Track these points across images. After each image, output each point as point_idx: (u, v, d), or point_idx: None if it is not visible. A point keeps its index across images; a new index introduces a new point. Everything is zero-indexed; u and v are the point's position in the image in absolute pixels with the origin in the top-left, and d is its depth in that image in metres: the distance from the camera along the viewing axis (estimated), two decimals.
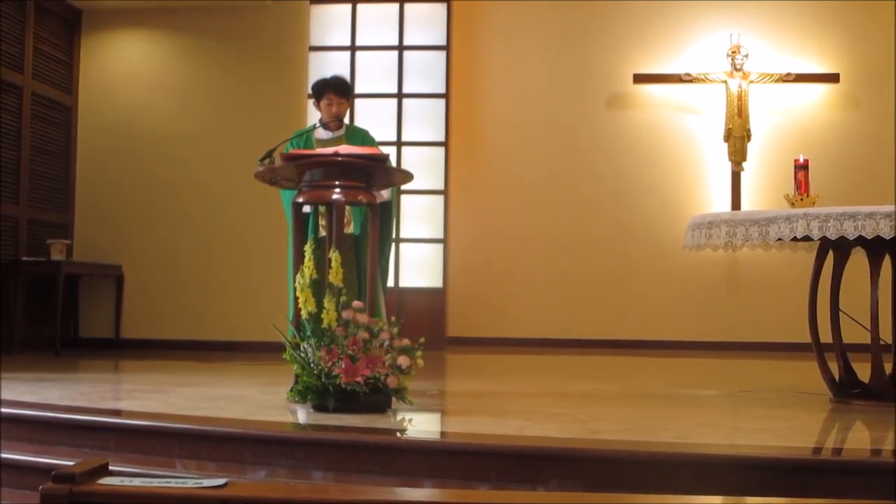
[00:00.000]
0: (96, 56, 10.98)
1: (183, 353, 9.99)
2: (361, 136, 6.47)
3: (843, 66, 11.42)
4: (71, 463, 4.41)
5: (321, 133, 6.47)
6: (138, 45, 11.03)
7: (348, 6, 11.84)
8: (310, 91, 6.72)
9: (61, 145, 10.73)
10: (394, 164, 6.54)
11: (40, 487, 2.53)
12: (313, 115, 10.54)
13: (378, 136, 6.78)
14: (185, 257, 10.70)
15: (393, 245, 8.06)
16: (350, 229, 6.24)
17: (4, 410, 5.24)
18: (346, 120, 6.68)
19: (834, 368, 6.30)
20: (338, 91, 6.42)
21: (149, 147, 10.81)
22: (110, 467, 2.74)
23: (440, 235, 11.51)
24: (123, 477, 2.62)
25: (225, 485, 2.57)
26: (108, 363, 9.22)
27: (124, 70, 10.98)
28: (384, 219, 6.26)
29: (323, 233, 6.01)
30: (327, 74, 6.77)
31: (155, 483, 2.59)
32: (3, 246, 9.68)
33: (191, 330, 10.57)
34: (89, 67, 10.97)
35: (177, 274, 10.70)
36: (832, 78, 11.39)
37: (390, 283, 7.06)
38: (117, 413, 5.55)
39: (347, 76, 10.46)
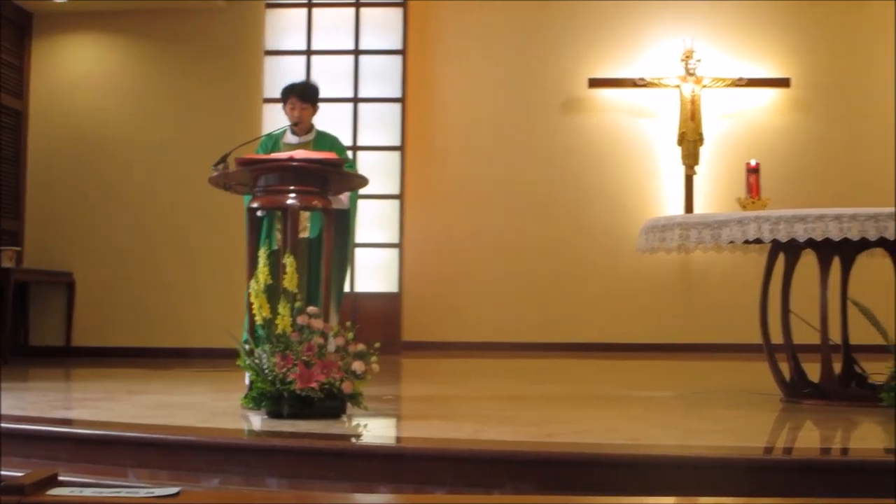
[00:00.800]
0: (47, 60, 10.88)
1: (135, 360, 9.91)
2: (330, 143, 6.48)
3: (793, 71, 11.53)
4: (21, 474, 4.38)
5: (290, 137, 6.49)
6: (90, 49, 10.94)
7: (304, 10, 11.80)
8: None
9: (11, 151, 10.62)
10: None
11: None
12: (269, 120, 10.58)
13: None
14: (137, 264, 10.62)
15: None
16: (306, 234, 6.23)
17: None
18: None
19: (785, 369, 6.38)
20: (300, 96, 6.44)
21: (100, 153, 10.72)
22: (61, 478, 2.73)
23: (396, 240, 11.50)
24: (74, 487, 2.61)
25: (178, 493, 2.56)
26: (58, 371, 9.13)
27: (76, 74, 10.88)
28: (343, 225, 6.26)
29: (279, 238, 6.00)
30: (297, 80, 6.82)
31: (106, 493, 2.58)
32: None
33: (143, 337, 10.49)
34: (40, 72, 10.87)
35: (129, 281, 10.61)
36: (783, 82, 11.50)
37: (346, 287, 7.09)
38: (68, 422, 5.50)
39: (304, 79, 10.42)
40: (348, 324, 5.56)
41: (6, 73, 10.50)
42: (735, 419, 5.61)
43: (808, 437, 5.31)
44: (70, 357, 10.34)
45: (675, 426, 5.50)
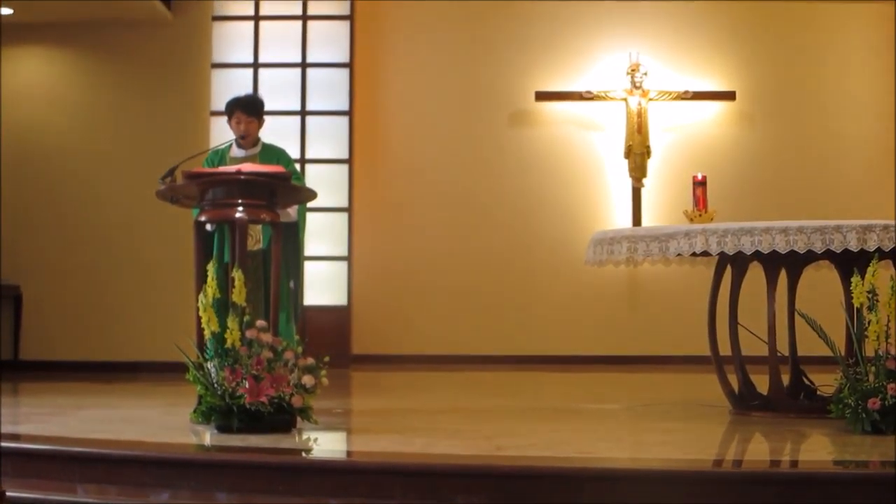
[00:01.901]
0: None
1: (84, 374, 9.81)
2: (277, 155, 6.46)
3: (738, 84, 11.63)
4: None
5: (236, 151, 6.47)
6: (36, 62, 10.85)
7: (251, 23, 11.75)
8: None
9: None
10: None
11: None
12: (217, 133, 10.53)
13: None
14: (85, 276, 10.53)
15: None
16: (259, 245, 6.22)
17: None
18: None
19: (733, 381, 6.42)
20: (245, 109, 6.43)
21: (47, 165, 10.63)
22: (8, 493, 2.70)
23: (344, 253, 11.47)
24: None
25: None
26: (6, 386, 8.98)
27: (21, 87, 10.78)
28: (292, 237, 6.25)
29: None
30: (241, 93, 6.80)
31: None
32: None
33: (92, 350, 10.40)
34: None
35: (77, 293, 10.52)
36: (728, 96, 11.59)
37: None
38: (15, 437, 5.42)
39: (249, 93, 10.37)
40: (297, 338, 5.53)
41: None
42: (684, 431, 5.65)
43: (758, 450, 5.35)
44: (18, 371, 10.22)
45: (624, 439, 5.53)
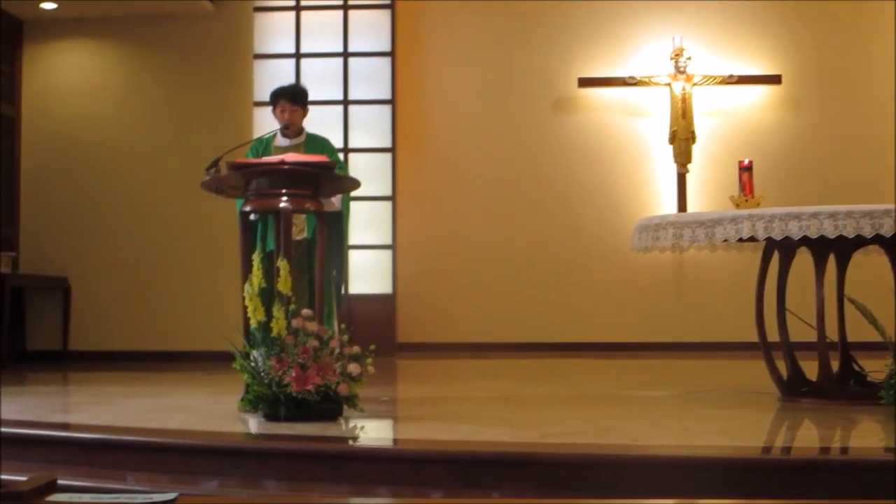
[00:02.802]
0: (39, 66, 10.87)
1: (132, 363, 9.91)
2: (321, 145, 6.48)
3: (784, 68, 11.53)
4: (20, 478, 4.37)
5: (280, 140, 6.49)
6: (81, 55, 10.94)
7: (292, 13, 11.79)
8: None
9: (5, 157, 10.62)
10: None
11: None
12: (260, 123, 10.57)
13: None
14: (132, 267, 10.63)
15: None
16: (303, 235, 6.24)
17: None
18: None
19: (781, 367, 6.37)
20: (289, 98, 6.45)
21: (93, 157, 10.73)
22: (60, 482, 2.72)
23: (388, 241, 11.50)
24: (73, 493, 2.60)
25: (175, 499, 2.55)
26: (56, 376, 9.12)
27: (67, 80, 10.89)
28: (336, 227, 6.26)
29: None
30: (285, 83, 6.83)
31: (104, 499, 2.57)
32: None
33: (139, 340, 10.50)
34: (32, 78, 10.87)
35: (124, 284, 10.62)
36: (774, 79, 11.50)
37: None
38: (66, 427, 5.49)
39: (293, 82, 10.39)
40: (343, 326, 5.55)
41: None
42: (732, 419, 5.61)
43: (807, 437, 5.30)
44: (67, 361, 10.34)
45: (672, 426, 5.50)
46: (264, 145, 6.51)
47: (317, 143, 6.49)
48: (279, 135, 6.50)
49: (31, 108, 10.83)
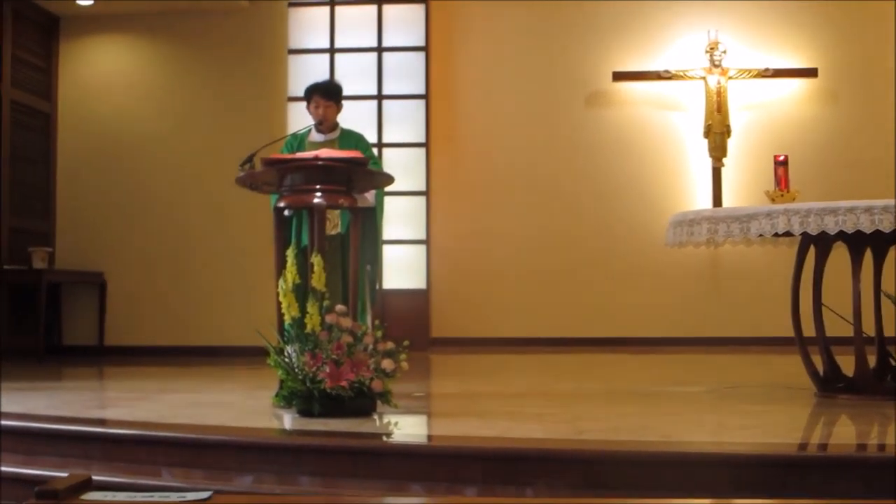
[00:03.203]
0: (75, 62, 10.94)
1: (167, 359, 9.96)
2: (355, 140, 6.48)
3: (820, 61, 11.45)
4: (56, 474, 4.41)
5: (314, 136, 6.50)
6: (116, 51, 11.00)
7: (326, 8, 11.82)
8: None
9: (41, 153, 10.69)
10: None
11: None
12: (294, 119, 10.60)
13: None
14: (167, 263, 10.68)
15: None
16: (337, 230, 6.25)
17: None
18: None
19: (818, 363, 6.32)
20: (323, 94, 6.45)
21: (129, 153, 10.78)
22: (96, 477, 2.74)
23: (422, 237, 11.51)
24: (107, 491, 2.61)
25: (209, 497, 2.56)
26: (91, 371, 9.18)
27: (103, 76, 10.95)
28: (370, 222, 6.27)
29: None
30: (319, 79, 6.84)
31: (139, 497, 2.58)
32: None
33: (174, 336, 10.54)
34: (68, 74, 10.94)
35: (159, 280, 10.68)
36: (810, 73, 11.41)
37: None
38: (102, 422, 5.53)
39: (326, 78, 10.40)
40: (377, 322, 5.55)
41: (34, 75, 10.57)
42: (768, 415, 5.57)
43: (844, 433, 5.26)
44: (102, 356, 10.41)
45: (707, 422, 5.47)
46: (299, 141, 6.52)
47: (351, 139, 6.50)
48: (314, 130, 6.51)
49: (67, 103, 10.90)
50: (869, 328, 6.16)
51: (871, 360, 6.17)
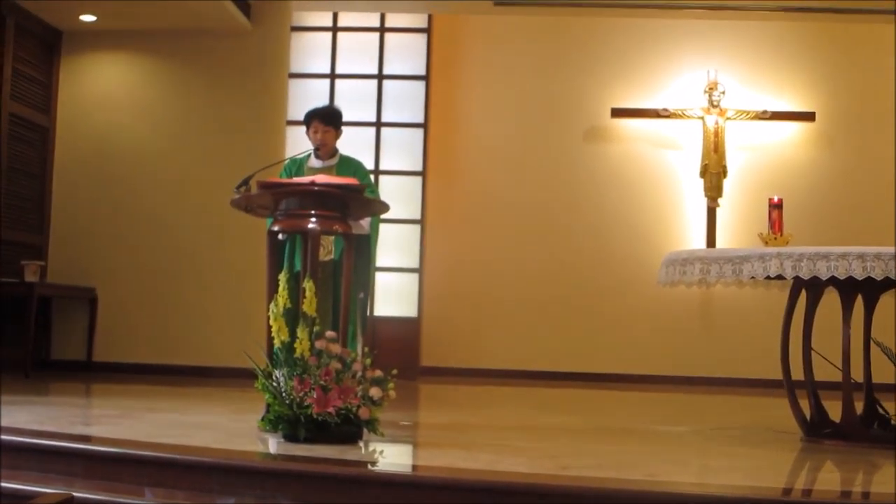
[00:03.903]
0: (75, 77, 10.95)
1: (155, 377, 9.93)
2: (354, 167, 6.49)
3: (818, 105, 11.51)
4: (38, 489, 4.39)
5: (314, 161, 6.51)
6: (118, 68, 11.01)
7: (329, 34, 11.88)
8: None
9: (37, 166, 10.69)
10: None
11: None
12: (292, 142, 10.62)
13: None
14: (159, 281, 10.66)
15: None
16: (330, 256, 6.25)
17: None
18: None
19: (805, 407, 6.32)
20: (322, 119, 6.46)
21: (125, 170, 10.78)
22: (77, 494, 2.73)
23: (415, 265, 11.52)
24: None
25: None
26: (78, 386, 9.15)
27: (103, 92, 10.95)
28: (364, 249, 6.27)
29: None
30: (319, 104, 6.86)
31: None
32: None
33: (164, 354, 10.51)
34: (68, 89, 10.94)
35: (151, 298, 10.65)
36: (808, 116, 11.47)
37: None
38: (86, 439, 5.50)
39: (327, 103, 10.40)
40: (366, 350, 5.55)
41: (34, 89, 10.57)
42: (753, 457, 5.57)
43: (828, 479, 5.25)
44: (91, 372, 10.38)
45: (691, 463, 5.46)
46: (297, 165, 6.53)
47: (350, 166, 6.50)
48: (312, 156, 6.52)
49: (66, 118, 10.90)
50: (857, 374, 6.16)
51: (859, 407, 6.18)
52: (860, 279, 5.70)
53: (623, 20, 11.66)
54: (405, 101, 11.71)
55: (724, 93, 11.41)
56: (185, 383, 9.37)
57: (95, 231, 10.74)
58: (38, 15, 10.41)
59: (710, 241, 11.29)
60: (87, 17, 10.49)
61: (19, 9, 10.11)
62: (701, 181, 11.43)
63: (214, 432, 5.78)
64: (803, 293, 6.37)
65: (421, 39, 11.78)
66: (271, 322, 5.47)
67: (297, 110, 10.54)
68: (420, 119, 11.65)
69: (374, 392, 5.24)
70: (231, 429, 5.99)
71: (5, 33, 9.98)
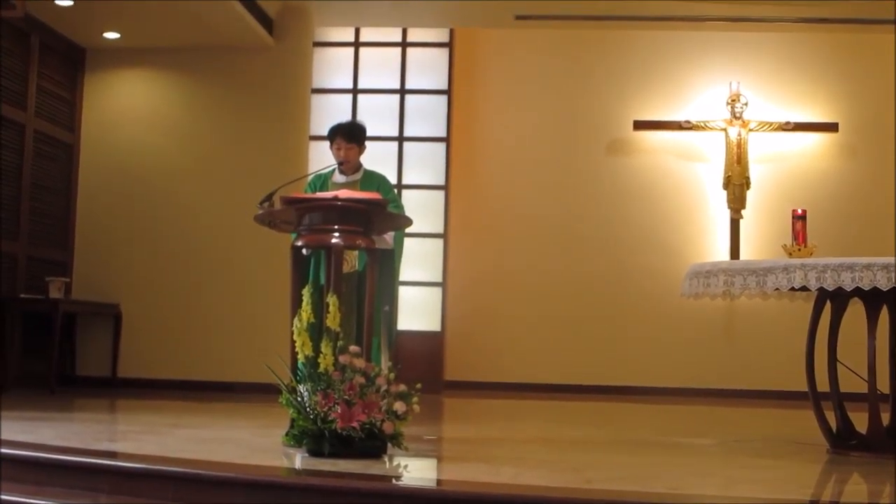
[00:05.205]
0: (99, 94, 11.03)
1: (179, 392, 9.97)
2: (378, 182, 6.51)
3: (841, 116, 11.47)
4: None
5: (338, 177, 6.53)
6: (141, 85, 11.08)
7: (351, 49, 11.92)
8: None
9: (62, 183, 10.76)
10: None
11: None
12: (315, 158, 10.65)
13: None
14: (183, 297, 10.70)
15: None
16: (354, 269, 6.25)
17: None
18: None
19: (831, 418, 6.29)
20: (345, 136, 6.48)
21: (149, 186, 10.84)
22: None
23: (439, 279, 11.52)
24: None
25: None
26: (103, 402, 9.19)
27: (126, 109, 11.02)
28: (388, 264, 6.27)
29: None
30: (342, 119, 6.89)
31: None
32: (2, 282, 9.67)
33: (188, 370, 10.55)
34: (92, 105, 11.01)
35: (175, 313, 10.69)
36: (831, 127, 11.44)
37: None
38: (111, 455, 5.52)
39: (348, 118, 10.43)
40: (389, 364, 5.55)
41: (59, 106, 10.65)
42: (778, 469, 5.54)
43: (855, 491, 5.22)
44: (115, 388, 10.42)
45: (715, 475, 5.43)
46: (322, 180, 6.55)
47: (373, 180, 6.52)
48: (337, 171, 6.54)
49: (90, 135, 10.97)
50: (884, 385, 6.12)
51: (885, 418, 6.14)
52: (885, 290, 5.67)
53: (644, 33, 11.66)
54: (427, 116, 11.74)
55: (746, 104, 11.39)
56: (208, 399, 9.40)
57: (120, 247, 10.80)
58: (62, 33, 10.50)
59: (734, 252, 11.25)
60: (111, 35, 10.56)
61: (43, 27, 10.19)
62: (724, 193, 11.41)
63: (239, 447, 5.79)
64: (828, 304, 6.34)
65: (442, 54, 11.81)
66: (295, 337, 5.48)
67: (320, 126, 10.59)
68: (442, 133, 11.67)
69: (399, 406, 5.24)
70: (255, 444, 6.00)
71: (30, 51, 10.06)
